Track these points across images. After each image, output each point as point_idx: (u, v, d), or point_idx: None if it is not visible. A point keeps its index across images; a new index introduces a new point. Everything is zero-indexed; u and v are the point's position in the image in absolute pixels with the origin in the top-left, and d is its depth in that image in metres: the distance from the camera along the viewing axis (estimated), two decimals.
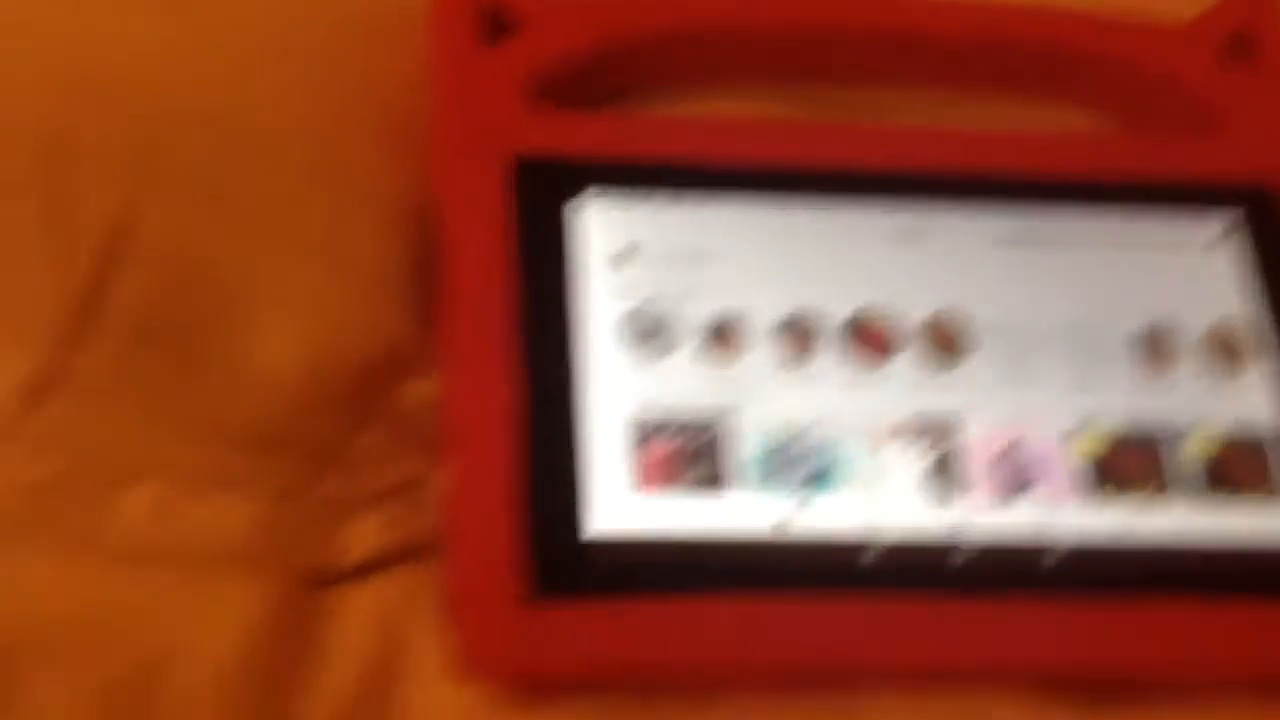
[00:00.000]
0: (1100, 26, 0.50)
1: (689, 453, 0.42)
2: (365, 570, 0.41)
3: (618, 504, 0.41)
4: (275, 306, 0.42)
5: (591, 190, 0.45)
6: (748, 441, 0.42)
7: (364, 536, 0.41)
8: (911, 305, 0.44)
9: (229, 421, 0.41)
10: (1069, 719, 0.40)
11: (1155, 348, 0.45)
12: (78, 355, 0.40)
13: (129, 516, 0.39)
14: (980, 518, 0.42)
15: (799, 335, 0.44)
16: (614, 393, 0.42)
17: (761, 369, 0.43)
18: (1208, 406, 0.44)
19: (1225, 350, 0.45)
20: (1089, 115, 0.51)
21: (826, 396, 0.43)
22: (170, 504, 0.40)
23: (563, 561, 0.40)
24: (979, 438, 0.43)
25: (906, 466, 0.42)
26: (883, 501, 0.42)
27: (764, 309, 0.44)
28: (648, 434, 0.42)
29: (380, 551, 0.41)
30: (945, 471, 0.42)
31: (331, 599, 0.40)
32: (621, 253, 0.44)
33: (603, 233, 0.44)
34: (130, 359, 0.41)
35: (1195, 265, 0.46)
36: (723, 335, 0.43)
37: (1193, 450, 0.43)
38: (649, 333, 0.43)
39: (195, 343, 0.41)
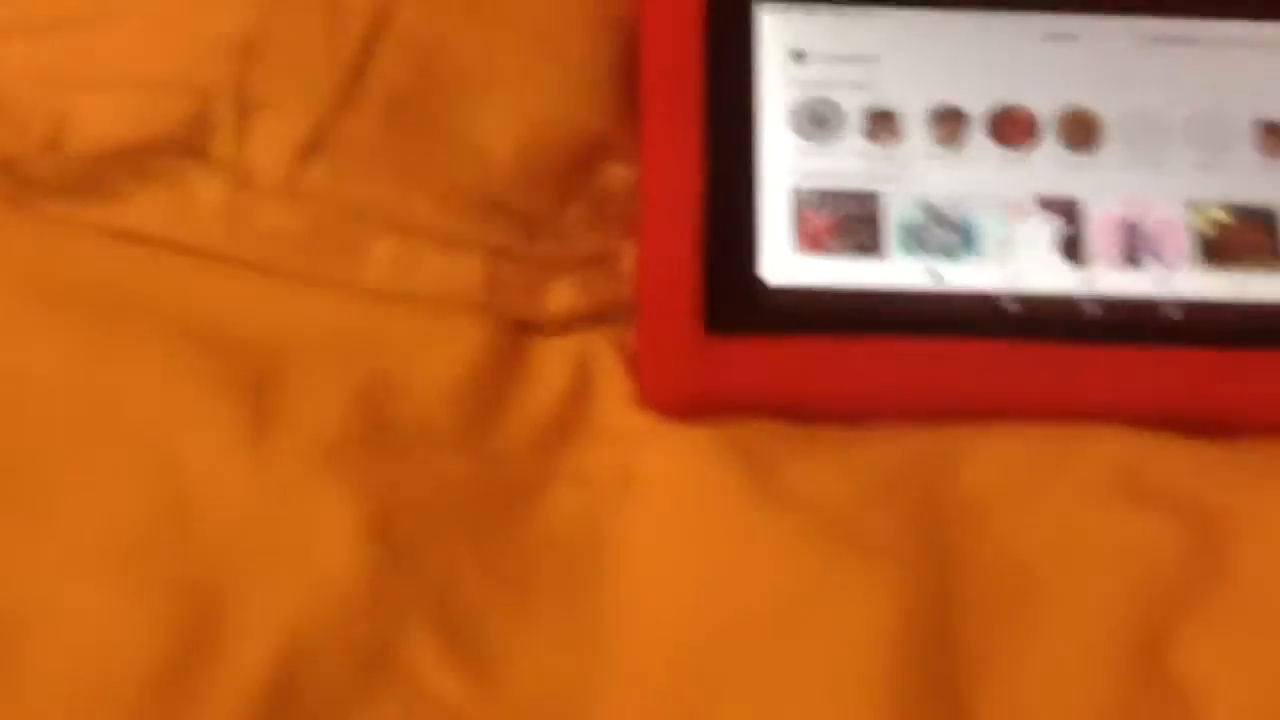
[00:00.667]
0: None
1: (851, 220, 0.48)
2: (565, 323, 0.48)
3: (786, 260, 0.47)
4: (501, 90, 0.49)
5: None
6: (902, 211, 0.48)
7: (565, 295, 0.48)
8: (1054, 98, 0.50)
9: (459, 187, 0.48)
10: (1168, 447, 0.45)
11: (1275, 136, 0.49)
12: (341, 122, 0.48)
13: (376, 262, 0.47)
14: (1108, 278, 0.47)
15: (949, 123, 0.49)
16: (786, 170, 0.49)
17: (915, 152, 0.49)
18: None
19: None
20: None
21: (972, 175, 0.49)
22: (410, 255, 0.47)
23: (733, 304, 0.47)
24: (1107, 212, 0.48)
25: (1042, 236, 0.48)
26: (1021, 263, 0.47)
27: (919, 101, 0.49)
28: (815, 204, 0.48)
29: (578, 309, 0.48)
30: (1076, 240, 0.48)
31: (537, 342, 0.48)
32: (795, 52, 0.50)
33: (780, 35, 0.50)
34: (382, 128, 0.48)
35: None
36: (882, 123, 0.49)
37: None
38: (817, 120, 0.49)
39: (434, 117, 0.49)
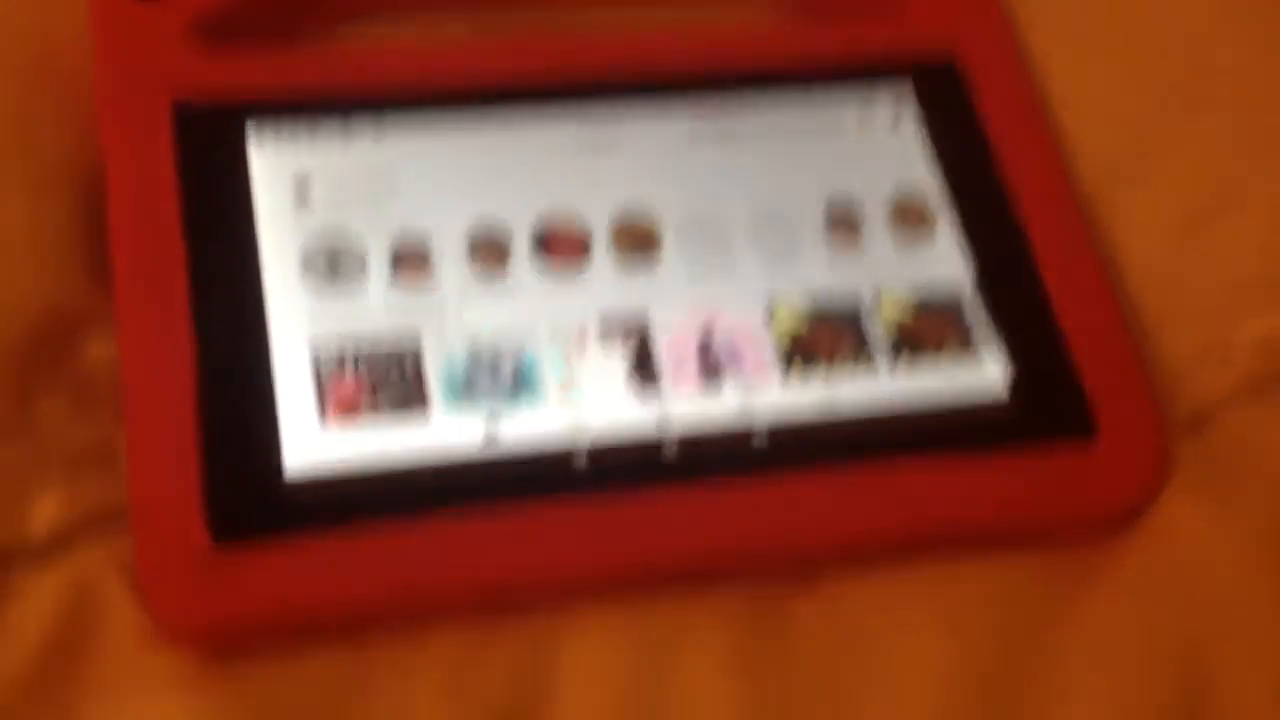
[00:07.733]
0: None
1: (385, 378, 0.40)
2: (53, 545, 0.39)
3: (311, 439, 0.39)
4: None
5: (259, 128, 0.43)
6: (444, 360, 0.40)
7: (49, 509, 0.39)
8: (602, 208, 0.43)
9: None
10: (761, 629, 0.40)
11: (843, 222, 0.44)
12: None
13: None
14: (685, 407, 0.41)
15: (490, 249, 0.42)
16: (300, 329, 0.40)
17: (453, 288, 0.41)
18: (898, 273, 0.44)
19: (912, 217, 0.45)
20: (768, 7, 0.50)
21: (523, 306, 0.41)
22: None
23: (253, 503, 0.38)
24: (678, 330, 0.42)
25: (608, 366, 0.41)
26: (587, 403, 0.40)
27: (451, 228, 0.42)
28: (339, 366, 0.40)
29: (68, 523, 0.39)
30: (646, 366, 0.41)
31: (19, 574, 0.38)
32: (297, 188, 0.42)
33: (275, 170, 0.42)
34: None
35: (878, 139, 0.46)
36: (410, 259, 0.42)
37: (887, 316, 0.43)
38: (333, 265, 0.41)
39: None
